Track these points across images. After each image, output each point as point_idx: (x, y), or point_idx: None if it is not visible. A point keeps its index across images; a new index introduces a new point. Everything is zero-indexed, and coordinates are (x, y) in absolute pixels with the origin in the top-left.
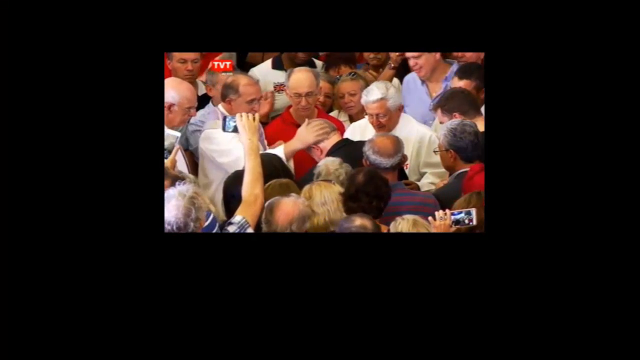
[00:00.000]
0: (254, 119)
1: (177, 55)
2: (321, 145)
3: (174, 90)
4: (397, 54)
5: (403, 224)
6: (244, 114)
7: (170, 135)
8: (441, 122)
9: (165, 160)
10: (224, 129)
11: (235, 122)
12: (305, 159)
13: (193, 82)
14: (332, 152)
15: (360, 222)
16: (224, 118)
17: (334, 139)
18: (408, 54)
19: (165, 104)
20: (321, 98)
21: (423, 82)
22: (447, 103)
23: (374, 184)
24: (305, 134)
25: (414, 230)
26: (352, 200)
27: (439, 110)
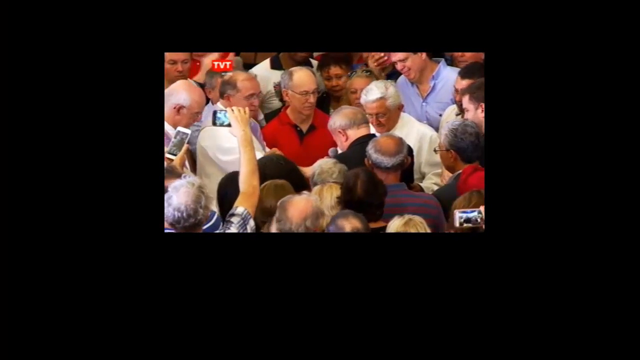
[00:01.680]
0: (244, 111)
1: (167, 56)
2: (348, 132)
3: (186, 93)
4: (373, 58)
5: (395, 222)
6: (234, 107)
7: (182, 132)
8: (466, 110)
9: (175, 158)
10: (214, 124)
11: (227, 116)
12: (311, 156)
13: None
14: (356, 145)
15: (350, 227)
16: (214, 112)
17: (363, 130)
18: (394, 58)
19: (175, 106)
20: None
21: (413, 83)
22: (478, 92)
23: (376, 194)
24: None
25: (403, 230)
26: (356, 210)
27: (467, 97)
